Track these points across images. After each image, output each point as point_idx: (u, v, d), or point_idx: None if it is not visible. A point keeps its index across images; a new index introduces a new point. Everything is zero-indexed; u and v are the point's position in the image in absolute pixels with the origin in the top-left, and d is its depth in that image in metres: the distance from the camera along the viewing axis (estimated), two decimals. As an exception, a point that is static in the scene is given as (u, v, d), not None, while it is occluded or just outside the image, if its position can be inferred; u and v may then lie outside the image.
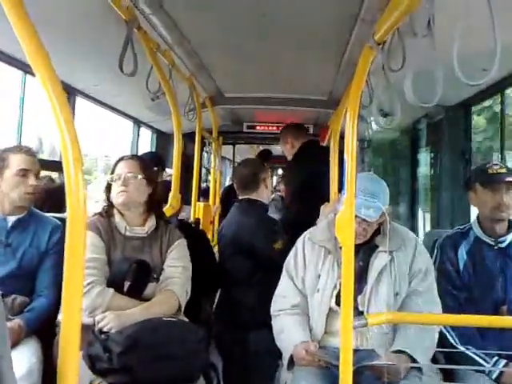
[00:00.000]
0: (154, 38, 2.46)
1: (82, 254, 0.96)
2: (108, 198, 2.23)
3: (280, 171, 10.33)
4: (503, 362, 2.03)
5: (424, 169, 4.47)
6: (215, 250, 3.17)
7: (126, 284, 2.04)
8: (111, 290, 2.00)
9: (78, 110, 3.54)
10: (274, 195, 5.56)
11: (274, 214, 3.85)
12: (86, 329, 1.90)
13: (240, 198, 3.10)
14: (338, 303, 2.04)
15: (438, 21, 1.28)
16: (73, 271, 0.94)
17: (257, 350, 2.67)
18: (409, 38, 1.49)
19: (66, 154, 0.97)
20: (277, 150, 8.88)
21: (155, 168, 3.36)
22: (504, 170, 2.23)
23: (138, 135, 4.76)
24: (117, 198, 2.16)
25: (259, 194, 3.05)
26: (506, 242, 2.27)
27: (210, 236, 3.45)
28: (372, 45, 1.52)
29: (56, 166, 3.43)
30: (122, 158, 2.25)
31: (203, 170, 5.79)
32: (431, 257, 2.29)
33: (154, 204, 2.28)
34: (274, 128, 5.16)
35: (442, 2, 1.18)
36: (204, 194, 4.90)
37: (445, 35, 1.23)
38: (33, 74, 1.02)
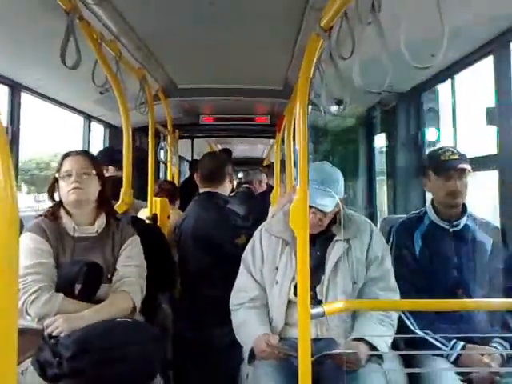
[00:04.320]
0: (98, 29, 2.36)
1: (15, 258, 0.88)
2: (53, 197, 2.10)
3: (240, 175, 9.33)
4: (460, 344, 2.05)
5: (380, 156, 4.52)
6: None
7: (77, 287, 1.93)
8: (60, 295, 1.88)
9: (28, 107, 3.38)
10: (241, 188, 5.56)
11: (238, 206, 3.83)
12: (36, 334, 1.82)
13: (200, 191, 3.04)
14: (296, 294, 2.03)
15: (385, 7, 1.27)
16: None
17: (221, 346, 2.60)
18: (357, 26, 1.47)
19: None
20: (238, 149, 8.71)
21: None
22: (456, 157, 2.24)
23: (89, 130, 4.60)
24: (68, 195, 2.03)
25: (222, 187, 3.01)
26: (460, 226, 2.30)
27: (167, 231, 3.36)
28: (319, 32, 1.49)
29: None
30: (68, 154, 2.11)
31: (162, 166, 5.69)
32: (387, 243, 2.31)
33: (104, 201, 2.18)
34: (232, 120, 5.10)
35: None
36: None
37: (392, 22, 1.21)
38: None
